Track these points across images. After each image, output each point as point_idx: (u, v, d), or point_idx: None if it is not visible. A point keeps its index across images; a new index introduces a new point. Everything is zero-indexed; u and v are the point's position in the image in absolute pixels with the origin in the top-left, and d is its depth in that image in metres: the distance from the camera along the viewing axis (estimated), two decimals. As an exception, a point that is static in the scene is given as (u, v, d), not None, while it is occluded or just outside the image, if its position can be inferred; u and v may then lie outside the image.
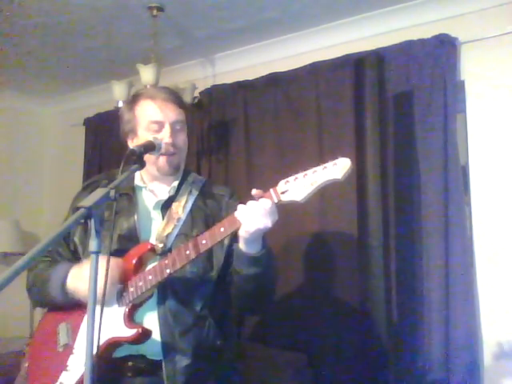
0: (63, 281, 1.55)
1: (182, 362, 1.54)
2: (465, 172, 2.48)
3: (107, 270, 1.24)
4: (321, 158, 2.73)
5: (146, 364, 1.55)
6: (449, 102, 2.42)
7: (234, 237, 1.54)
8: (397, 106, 2.58)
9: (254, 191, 1.42)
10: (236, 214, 1.41)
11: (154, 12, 2.70)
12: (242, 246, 1.47)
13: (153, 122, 1.62)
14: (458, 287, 2.34)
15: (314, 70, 2.82)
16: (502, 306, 2.33)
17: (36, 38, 3.13)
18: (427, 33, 2.50)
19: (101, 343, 1.46)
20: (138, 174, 1.70)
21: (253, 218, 1.38)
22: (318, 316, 2.66)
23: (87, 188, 1.74)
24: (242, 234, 1.43)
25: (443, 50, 2.45)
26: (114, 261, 1.44)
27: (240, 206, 1.41)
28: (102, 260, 1.14)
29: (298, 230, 2.79)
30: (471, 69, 2.48)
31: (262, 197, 1.41)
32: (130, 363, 1.55)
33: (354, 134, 2.61)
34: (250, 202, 1.39)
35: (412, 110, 2.53)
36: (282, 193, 1.40)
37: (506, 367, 2.29)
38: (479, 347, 2.33)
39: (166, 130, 1.61)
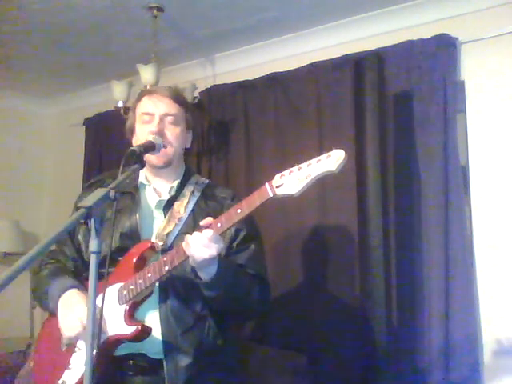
0: (58, 297, 1.58)
1: (183, 361, 1.54)
2: (465, 172, 2.48)
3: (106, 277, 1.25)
4: (321, 158, 2.73)
5: (146, 363, 1.56)
6: (449, 102, 2.42)
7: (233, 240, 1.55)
8: (397, 105, 2.58)
9: (204, 221, 1.46)
10: (183, 244, 1.45)
11: (154, 12, 2.71)
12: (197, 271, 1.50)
13: (144, 113, 1.66)
14: (458, 287, 2.34)
15: (314, 70, 2.82)
16: (502, 306, 2.33)
17: (36, 38, 3.13)
18: (427, 33, 2.50)
19: (102, 341, 1.47)
20: (142, 172, 1.72)
21: (197, 249, 1.41)
22: (318, 316, 2.65)
23: (92, 187, 1.74)
24: (191, 263, 1.46)
25: (443, 50, 2.45)
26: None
27: (187, 237, 1.44)
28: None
29: (298, 230, 2.79)
30: (471, 69, 2.48)
31: (207, 227, 1.43)
32: (130, 362, 1.56)
33: (353, 133, 2.61)
34: (194, 234, 1.42)
35: (412, 110, 2.53)
36: (277, 187, 1.41)
37: (507, 366, 2.29)
38: (479, 346, 2.33)
39: (155, 120, 1.64)
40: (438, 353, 2.33)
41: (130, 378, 1.55)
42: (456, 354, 2.30)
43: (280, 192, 1.40)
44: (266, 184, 1.43)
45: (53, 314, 1.67)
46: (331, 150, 1.38)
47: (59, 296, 1.58)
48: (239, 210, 1.44)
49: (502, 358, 2.29)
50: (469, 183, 2.47)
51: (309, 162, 1.40)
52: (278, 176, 1.42)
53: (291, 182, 1.39)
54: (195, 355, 1.56)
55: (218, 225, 1.45)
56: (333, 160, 1.36)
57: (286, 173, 1.42)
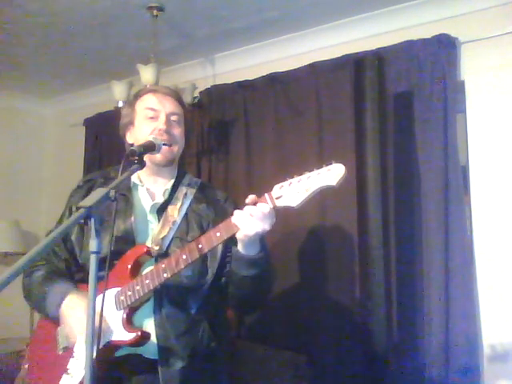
0: (59, 303, 1.57)
1: (177, 364, 1.54)
2: (465, 172, 2.48)
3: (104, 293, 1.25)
4: (321, 158, 2.73)
5: (143, 363, 1.55)
6: (449, 102, 2.42)
7: (230, 240, 1.55)
8: (397, 105, 2.58)
9: (249, 199, 1.43)
10: (233, 219, 1.43)
11: (154, 12, 2.71)
12: (241, 248, 1.49)
13: (149, 108, 1.66)
14: (458, 287, 2.34)
15: (314, 70, 2.82)
16: (502, 306, 2.33)
17: (36, 38, 3.13)
18: (427, 33, 2.50)
19: (100, 347, 1.47)
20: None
21: (251, 222, 1.40)
22: (318, 316, 2.66)
23: (83, 186, 1.74)
24: (240, 237, 1.44)
25: (443, 50, 2.45)
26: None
27: (237, 212, 1.42)
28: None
29: (298, 229, 2.79)
30: (471, 69, 2.48)
31: (258, 202, 1.41)
32: (127, 362, 1.55)
33: (353, 133, 2.61)
34: (247, 207, 1.41)
35: (412, 110, 2.53)
36: (277, 198, 1.40)
37: (506, 367, 2.28)
38: (479, 347, 2.33)
39: (162, 118, 1.64)
40: (437, 353, 2.33)
41: (127, 378, 1.55)
42: (456, 355, 2.30)
43: (280, 203, 1.40)
44: (266, 195, 1.42)
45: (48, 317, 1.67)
46: (331, 162, 1.36)
47: (60, 303, 1.56)
48: None
49: (501, 359, 2.29)
50: (469, 183, 2.47)
51: (308, 174, 1.38)
52: (277, 187, 1.41)
53: (291, 193, 1.38)
54: (189, 358, 1.55)
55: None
56: (333, 174, 1.34)
57: (285, 184, 1.40)
